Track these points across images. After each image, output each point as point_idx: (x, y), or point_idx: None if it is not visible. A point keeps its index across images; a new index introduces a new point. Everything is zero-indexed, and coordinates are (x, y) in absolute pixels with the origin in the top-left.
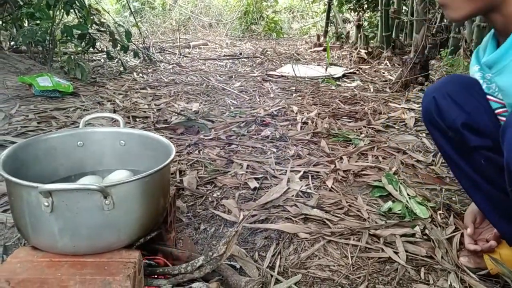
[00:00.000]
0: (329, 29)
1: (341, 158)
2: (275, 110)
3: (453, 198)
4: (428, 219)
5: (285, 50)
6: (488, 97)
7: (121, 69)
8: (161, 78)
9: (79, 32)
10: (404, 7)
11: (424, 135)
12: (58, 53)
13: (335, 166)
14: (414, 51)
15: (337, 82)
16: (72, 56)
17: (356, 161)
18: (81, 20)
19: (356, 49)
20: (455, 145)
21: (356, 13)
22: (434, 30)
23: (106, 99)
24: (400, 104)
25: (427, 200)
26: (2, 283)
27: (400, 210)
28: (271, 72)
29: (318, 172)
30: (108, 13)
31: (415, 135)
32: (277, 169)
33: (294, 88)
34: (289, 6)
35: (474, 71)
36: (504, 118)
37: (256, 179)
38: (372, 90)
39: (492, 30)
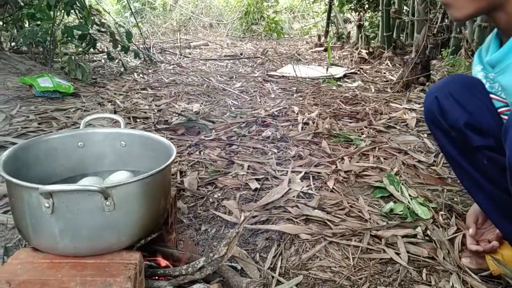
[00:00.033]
0: (330, 29)
1: (342, 158)
2: (276, 111)
3: (455, 199)
4: (429, 220)
5: (286, 50)
6: (491, 96)
7: (122, 69)
8: (161, 79)
9: (80, 32)
10: (405, 7)
11: (425, 135)
12: (59, 54)
13: (336, 167)
14: (415, 51)
15: (338, 83)
16: (73, 57)
17: (357, 162)
18: (81, 20)
19: (357, 49)
20: (457, 145)
21: (357, 13)
22: (435, 30)
23: (106, 100)
24: (401, 105)
25: (429, 201)
26: (2, 285)
27: (401, 211)
28: (272, 73)
29: (319, 172)
30: (109, 14)
31: (417, 136)
32: (278, 169)
33: (295, 88)
34: (290, 6)
35: (477, 71)
36: (507, 117)
37: (257, 180)
38: (373, 90)
39: (495, 30)
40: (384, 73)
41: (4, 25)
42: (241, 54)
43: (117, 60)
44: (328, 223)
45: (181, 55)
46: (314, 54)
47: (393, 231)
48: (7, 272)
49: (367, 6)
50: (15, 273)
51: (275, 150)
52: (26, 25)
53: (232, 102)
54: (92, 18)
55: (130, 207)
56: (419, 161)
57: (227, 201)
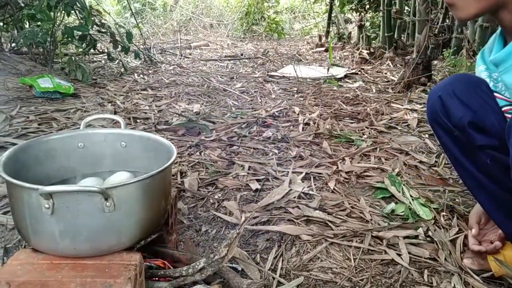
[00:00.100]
0: (330, 29)
1: (343, 159)
2: (277, 111)
3: (457, 200)
4: (431, 220)
5: (287, 50)
6: (495, 94)
7: (122, 70)
8: (162, 79)
9: (80, 33)
10: (406, 7)
11: (427, 136)
12: (59, 55)
13: (337, 167)
14: (417, 51)
15: (339, 83)
16: (73, 57)
17: (358, 162)
18: (82, 21)
19: (358, 49)
20: (460, 144)
21: (358, 13)
22: (437, 30)
23: (107, 101)
24: (402, 105)
25: (430, 202)
26: (2, 286)
27: (403, 211)
28: (272, 73)
29: (320, 173)
30: (109, 14)
31: (418, 136)
32: (279, 170)
33: (295, 89)
34: (291, 7)
35: (480, 71)
36: (511, 116)
37: (258, 180)
38: (374, 90)
39: (499, 29)
40: (385, 73)
41: (5, 26)
42: (242, 54)
43: (117, 60)
44: (329, 224)
45: (181, 55)
46: (315, 55)
47: (395, 232)
48: (7, 273)
49: (368, 6)
50: (15, 274)
51: (276, 151)
52: (27, 25)
53: (232, 103)
54: (93, 18)
55: (131, 208)
56: (421, 162)
57: (228, 202)
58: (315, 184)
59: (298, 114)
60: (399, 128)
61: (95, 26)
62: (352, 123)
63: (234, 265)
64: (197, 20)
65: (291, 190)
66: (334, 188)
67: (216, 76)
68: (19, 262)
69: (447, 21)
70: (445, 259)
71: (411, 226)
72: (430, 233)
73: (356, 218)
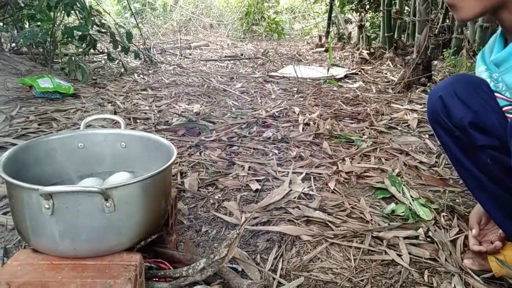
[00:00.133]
0: (330, 29)
1: (343, 159)
2: (277, 111)
3: (457, 200)
4: (431, 221)
5: (287, 51)
6: (496, 94)
7: (122, 70)
8: (162, 79)
9: (80, 33)
10: (406, 8)
11: (427, 136)
12: (59, 55)
13: (338, 168)
14: (417, 51)
15: (339, 83)
16: (73, 58)
17: (358, 163)
18: (82, 21)
19: (358, 49)
20: (461, 144)
21: (358, 13)
22: (437, 30)
23: (106, 101)
24: (402, 105)
25: (431, 202)
26: (2, 286)
27: (403, 212)
28: (272, 73)
29: (320, 173)
30: (109, 14)
31: (418, 136)
32: (279, 170)
33: (296, 89)
34: (291, 7)
35: (481, 71)
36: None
37: (258, 181)
38: (374, 91)
39: (499, 30)
40: (385, 73)
41: (5, 26)
42: (242, 54)
43: (117, 60)
44: (329, 224)
45: (181, 55)
46: (315, 55)
47: (395, 232)
48: (6, 274)
49: (368, 6)
50: (14, 274)
51: (276, 151)
52: (26, 26)
53: (232, 103)
54: (92, 18)
55: (131, 208)
56: (421, 162)
57: (228, 202)
58: (315, 185)
59: (298, 115)
60: (399, 128)
61: (95, 26)
62: (352, 123)
63: (234, 266)
64: (197, 20)
65: (291, 190)
66: (334, 189)
67: (216, 76)
68: (19, 262)
69: (447, 21)
70: (446, 259)
71: (412, 227)
72: (430, 234)
73: (356, 218)
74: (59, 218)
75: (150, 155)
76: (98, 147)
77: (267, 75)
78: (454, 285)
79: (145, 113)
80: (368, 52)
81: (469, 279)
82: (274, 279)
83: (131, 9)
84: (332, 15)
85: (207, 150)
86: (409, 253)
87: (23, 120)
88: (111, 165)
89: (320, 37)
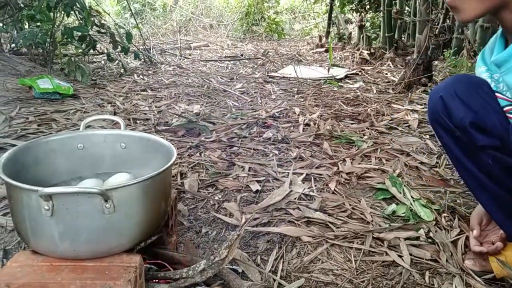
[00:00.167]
0: (331, 30)
1: (344, 160)
2: (277, 112)
3: (458, 201)
4: (432, 222)
5: (287, 51)
6: (497, 94)
7: (122, 71)
8: (161, 80)
9: (80, 34)
10: (407, 8)
11: (427, 136)
12: (59, 55)
13: (338, 168)
14: (417, 52)
15: (340, 83)
16: (73, 58)
17: (359, 163)
18: (81, 22)
19: (358, 50)
20: (461, 145)
21: (358, 13)
22: (437, 30)
23: (106, 101)
24: (403, 106)
25: (431, 203)
26: None
27: (404, 213)
28: (272, 74)
29: (320, 174)
30: (109, 15)
31: (419, 137)
32: (279, 171)
33: (296, 89)
34: (291, 7)
35: (481, 72)
36: None
37: (258, 181)
38: (374, 91)
39: (500, 30)
40: (386, 74)
41: (4, 27)
42: (242, 55)
43: (117, 61)
44: (330, 225)
45: (181, 56)
46: (315, 55)
47: (396, 233)
48: (6, 275)
49: (368, 6)
50: (14, 276)
51: (276, 152)
52: (26, 26)
53: (232, 103)
54: (92, 19)
55: (130, 210)
56: (422, 163)
57: (228, 203)
58: (315, 185)
59: (298, 115)
60: (399, 128)
61: (94, 26)
62: (352, 123)
63: (234, 267)
64: (197, 20)
65: (291, 191)
66: (334, 189)
67: (216, 77)
68: (18, 264)
69: (448, 21)
70: (447, 260)
71: (412, 228)
72: (431, 235)
73: (357, 219)
74: (58, 219)
75: (150, 156)
76: (98, 148)
77: (267, 75)
78: (455, 286)
79: (145, 113)
80: (369, 52)
81: (470, 280)
82: (274, 280)
83: (130, 10)
84: (332, 15)
85: (207, 151)
86: (410, 254)
87: (23, 121)
88: (111, 166)
89: (320, 38)
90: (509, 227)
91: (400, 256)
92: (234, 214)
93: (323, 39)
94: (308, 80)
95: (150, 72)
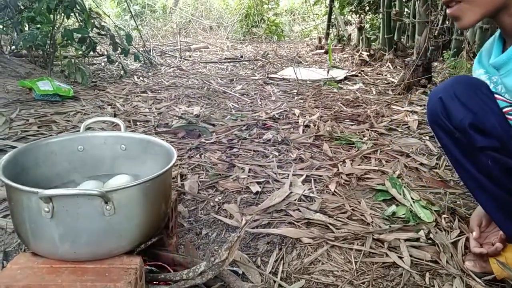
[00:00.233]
0: (330, 31)
1: (343, 161)
2: (277, 113)
3: (458, 202)
4: (432, 223)
5: (287, 52)
6: (496, 95)
7: (122, 72)
8: (161, 82)
9: (80, 35)
10: (406, 9)
11: (427, 137)
12: (59, 57)
13: (338, 170)
14: (417, 53)
15: (339, 85)
16: (73, 60)
17: (359, 165)
18: (81, 23)
19: (358, 51)
20: (461, 146)
21: (358, 15)
22: (436, 32)
23: (106, 103)
24: (403, 107)
25: (431, 204)
26: None
27: (404, 214)
28: (272, 75)
29: (320, 176)
30: (109, 17)
31: (419, 138)
32: (279, 173)
33: (295, 91)
34: (290, 9)
35: (479, 74)
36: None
37: (258, 183)
38: (374, 92)
39: (497, 32)
40: (385, 75)
41: (4, 29)
42: (242, 56)
43: (117, 63)
44: (330, 226)
45: (181, 57)
46: (314, 57)
47: (396, 234)
48: (6, 277)
49: (367, 8)
50: (14, 278)
51: (276, 153)
52: (26, 28)
53: (232, 105)
54: (92, 21)
55: (131, 211)
56: (421, 164)
57: (228, 205)
58: (315, 187)
59: (298, 116)
60: (399, 130)
61: (94, 28)
62: (352, 125)
63: (234, 269)
64: (196, 22)
65: (291, 192)
66: (334, 191)
67: (216, 78)
68: (18, 266)
69: (447, 23)
70: (447, 261)
71: (412, 229)
72: (431, 236)
73: (357, 220)
74: (58, 221)
75: (150, 157)
76: (98, 149)
77: (267, 77)
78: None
79: (145, 115)
80: (368, 53)
81: (471, 282)
82: (274, 282)
83: (130, 12)
84: (332, 17)
85: (207, 152)
86: (410, 255)
87: (23, 123)
88: (111, 168)
89: (319, 39)
90: (508, 228)
91: (400, 258)
92: (234, 216)
93: (323, 41)
94: (308, 82)
95: (150, 74)
